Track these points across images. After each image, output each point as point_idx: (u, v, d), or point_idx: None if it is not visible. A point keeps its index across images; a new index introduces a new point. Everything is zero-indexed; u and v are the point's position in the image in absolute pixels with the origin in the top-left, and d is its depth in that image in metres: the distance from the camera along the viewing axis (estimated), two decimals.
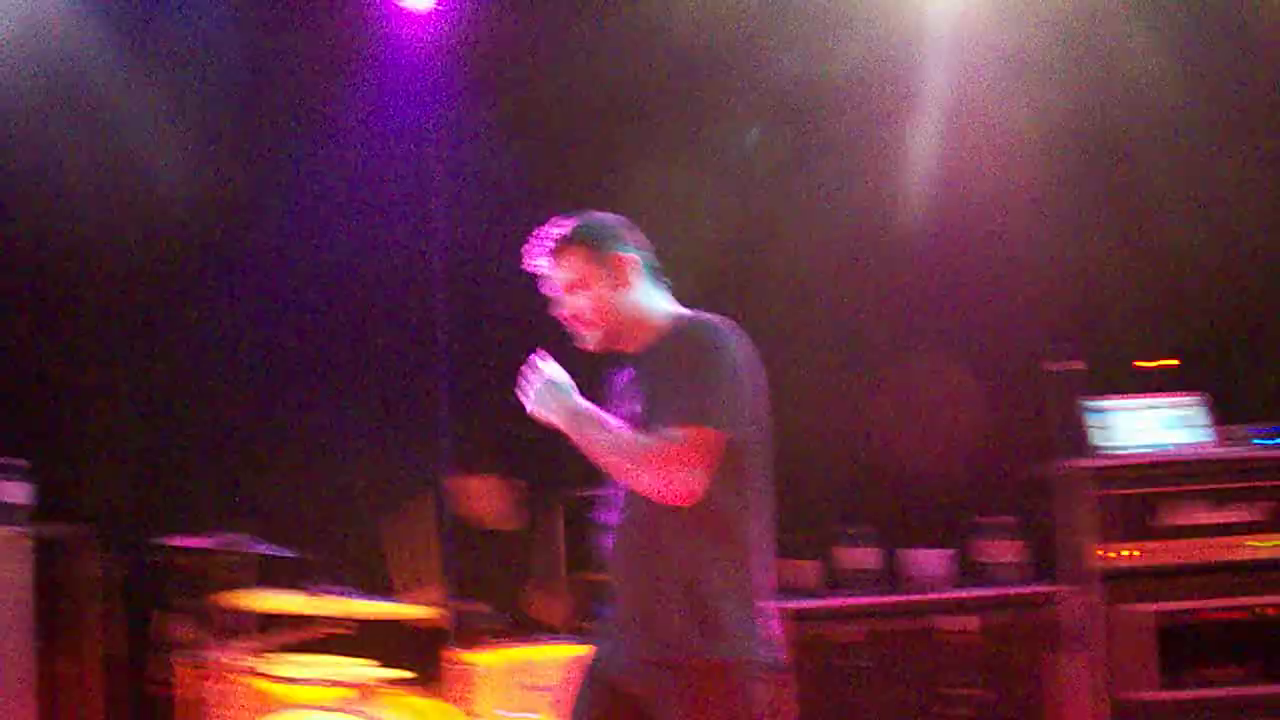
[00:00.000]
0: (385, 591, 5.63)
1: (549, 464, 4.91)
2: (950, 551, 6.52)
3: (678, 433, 3.03)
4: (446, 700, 5.35)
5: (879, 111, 6.92)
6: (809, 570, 6.45)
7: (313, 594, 5.00)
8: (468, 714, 5.29)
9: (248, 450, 6.71)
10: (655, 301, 3.39)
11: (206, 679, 5.05)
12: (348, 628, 5.15)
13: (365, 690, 5.07)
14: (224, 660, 5.00)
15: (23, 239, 6.76)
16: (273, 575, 5.18)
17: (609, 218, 3.45)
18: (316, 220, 6.87)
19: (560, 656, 5.30)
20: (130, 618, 6.26)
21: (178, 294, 6.89)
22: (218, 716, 4.94)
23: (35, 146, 6.63)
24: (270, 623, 5.22)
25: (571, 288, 3.37)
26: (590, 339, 3.38)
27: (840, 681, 6.17)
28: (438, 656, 5.55)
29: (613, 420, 3.19)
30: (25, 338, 6.76)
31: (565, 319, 3.39)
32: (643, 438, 3.08)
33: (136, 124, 6.61)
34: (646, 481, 3.06)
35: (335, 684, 5.07)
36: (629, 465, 3.09)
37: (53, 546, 6.07)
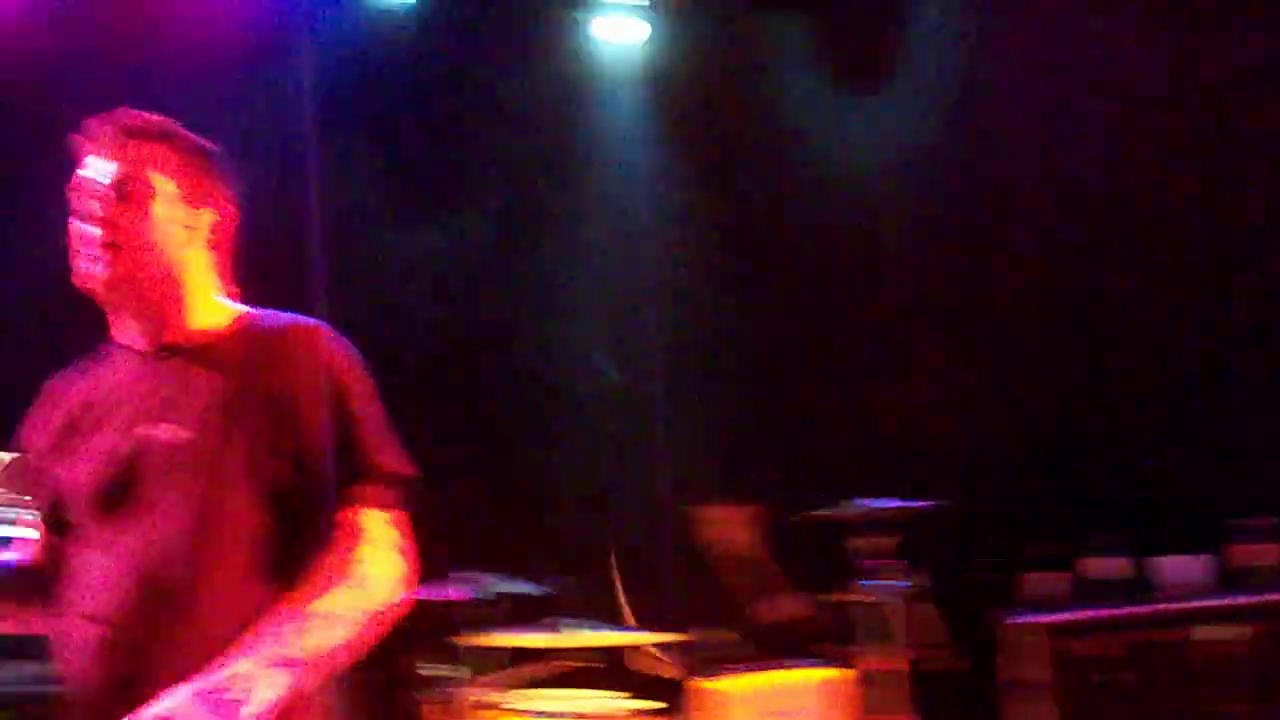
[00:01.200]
0: (626, 621, 5.59)
1: (777, 485, 4.81)
2: (1206, 557, 6.19)
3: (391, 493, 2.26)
4: None
5: None
6: (1056, 582, 6.20)
7: (557, 628, 4.99)
8: None
9: (480, 488, 6.76)
10: (216, 292, 2.39)
11: (449, 714, 5.07)
12: (594, 660, 5.10)
13: None
14: (473, 698, 5.01)
15: None
16: (517, 612, 5.19)
17: (218, 155, 2.42)
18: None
19: (806, 680, 5.18)
20: (375, 657, 6.33)
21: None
22: None
23: None
24: (517, 658, 5.22)
25: (127, 195, 2.27)
26: (101, 275, 2.26)
27: (1098, 697, 5.89)
28: (685, 686, 5.48)
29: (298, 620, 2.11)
30: None
31: (84, 236, 2.27)
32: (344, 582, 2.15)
33: None
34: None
35: (585, 718, 5.03)
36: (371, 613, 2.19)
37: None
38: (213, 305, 2.36)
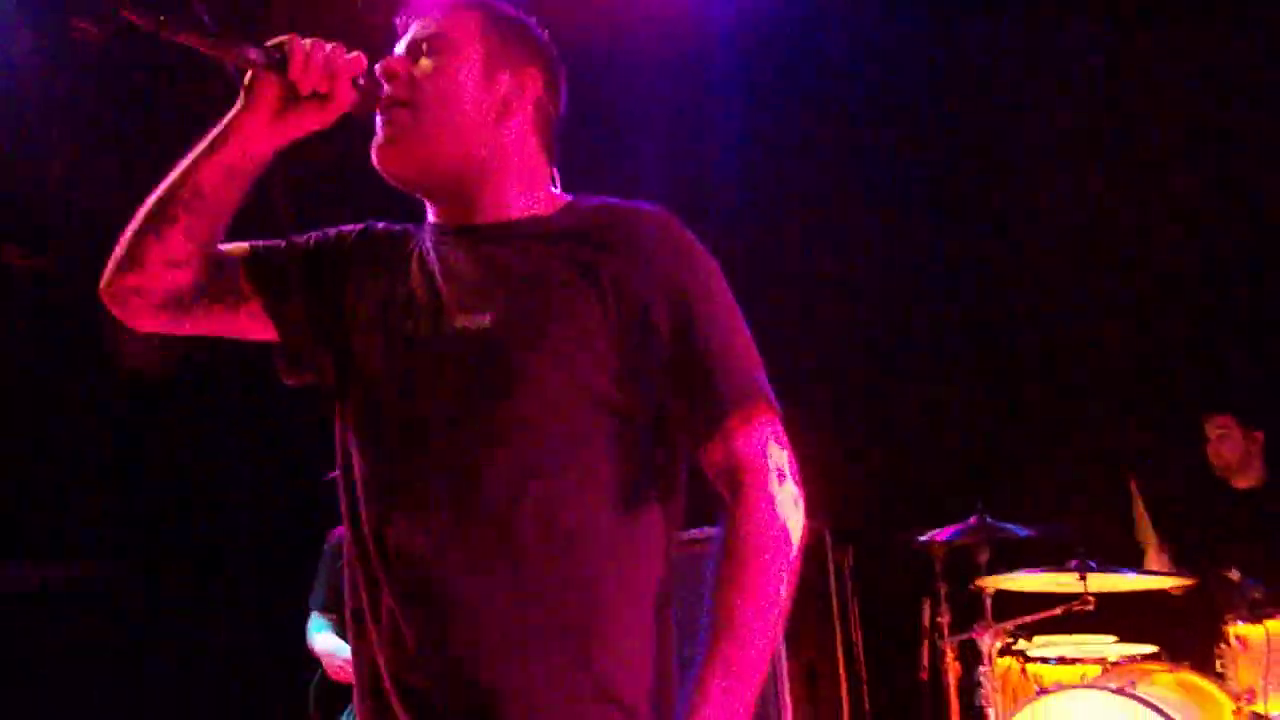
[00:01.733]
0: (1133, 563, 5.48)
1: None
2: None
3: (770, 427, 1.97)
4: (1210, 677, 5.07)
5: None
6: None
7: (1065, 570, 4.94)
8: (1235, 690, 4.99)
9: (978, 430, 6.72)
10: (535, 172, 2.14)
11: (969, 661, 5.12)
12: (1093, 603, 5.00)
13: (1128, 668, 4.94)
14: (986, 644, 5.04)
15: None
16: (1022, 555, 5.18)
17: (533, 25, 2.21)
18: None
19: None
20: (879, 605, 6.48)
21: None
22: (988, 701, 5.00)
23: None
24: (1025, 603, 5.22)
25: (426, 54, 2.08)
26: (398, 140, 2.06)
27: None
28: (1198, 629, 5.31)
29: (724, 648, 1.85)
30: None
31: (365, 78, 2.04)
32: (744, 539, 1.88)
33: None
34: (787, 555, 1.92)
35: (1099, 662, 4.98)
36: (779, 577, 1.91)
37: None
38: (534, 187, 2.11)
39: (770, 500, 1.91)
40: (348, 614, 2.04)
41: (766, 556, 1.89)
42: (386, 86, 2.05)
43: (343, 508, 2.05)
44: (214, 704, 7.18)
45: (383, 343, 2.02)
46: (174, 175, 2.03)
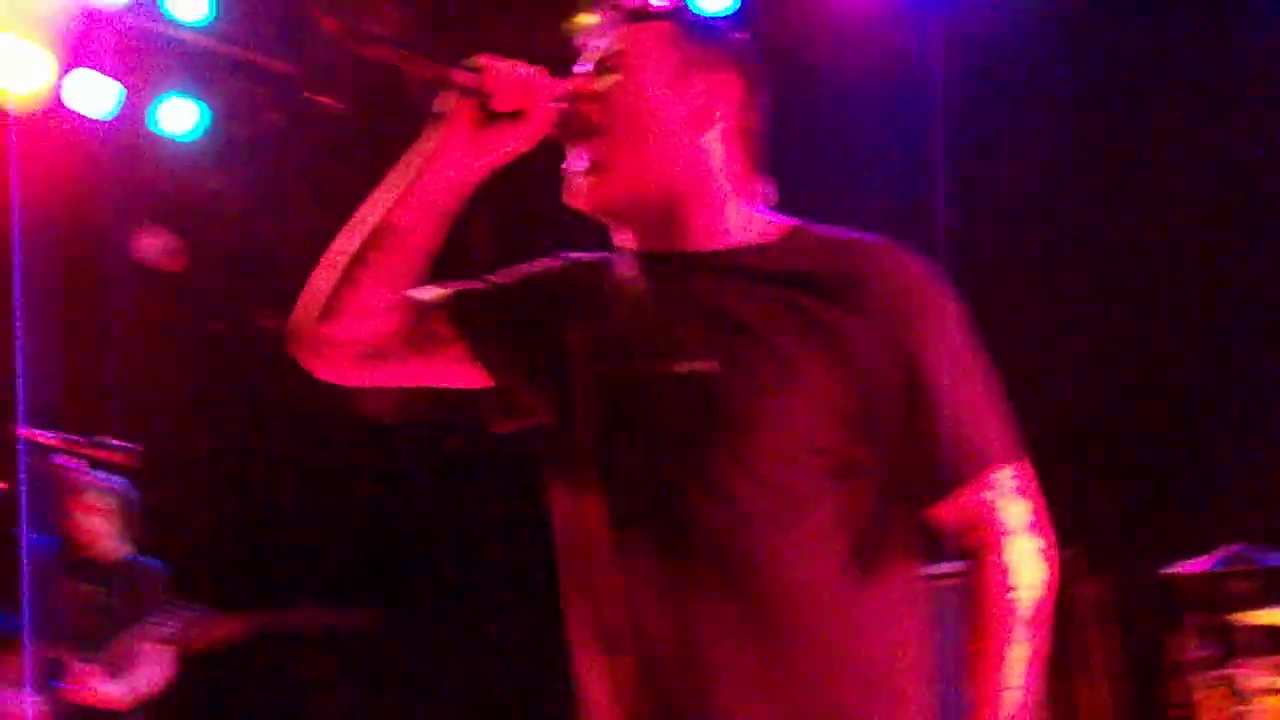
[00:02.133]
0: None
1: None
2: None
3: (1008, 480, 1.84)
4: None
5: None
6: None
7: None
8: None
9: (1236, 458, 6.44)
10: (743, 186, 1.96)
11: (1227, 699, 4.92)
12: None
13: None
14: (1243, 680, 4.85)
15: None
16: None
17: (728, 30, 2.02)
18: None
19: None
20: (1132, 639, 6.27)
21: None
22: None
23: None
24: None
25: (612, 69, 1.92)
26: (593, 168, 1.90)
27: None
28: None
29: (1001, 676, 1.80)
30: None
31: (563, 99, 1.90)
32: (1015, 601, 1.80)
33: None
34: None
35: None
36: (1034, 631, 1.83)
37: None
38: (747, 206, 1.94)
39: (1006, 564, 1.81)
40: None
41: (1014, 623, 1.80)
42: (577, 107, 1.89)
43: (560, 554, 1.94)
44: None
45: (597, 384, 1.87)
46: (366, 215, 1.91)
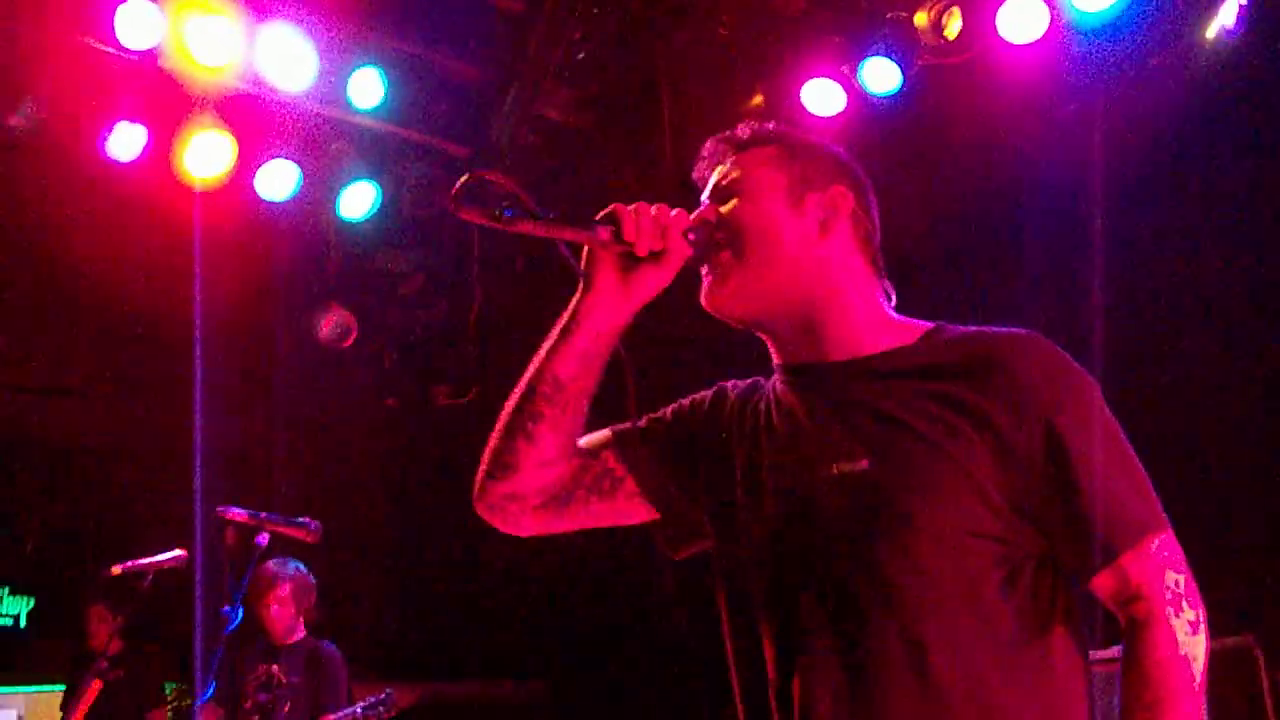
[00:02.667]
0: None
1: None
2: None
3: (1160, 550, 1.87)
4: None
5: None
6: None
7: None
8: None
9: None
10: (880, 297, 2.06)
11: None
12: None
13: None
14: None
15: None
16: None
17: (830, 146, 2.15)
18: None
19: None
20: None
21: None
22: None
23: None
24: None
25: (733, 196, 2.05)
26: (725, 277, 2.02)
27: None
28: None
29: None
30: None
31: (693, 231, 2.03)
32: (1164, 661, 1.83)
33: None
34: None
35: None
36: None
37: (1217, 660, 6.00)
38: (877, 312, 2.04)
39: (1170, 633, 1.84)
40: None
41: (1172, 696, 1.82)
42: (706, 234, 2.03)
43: (732, 672, 2.03)
44: None
45: (757, 500, 1.97)
46: (531, 374, 2.05)
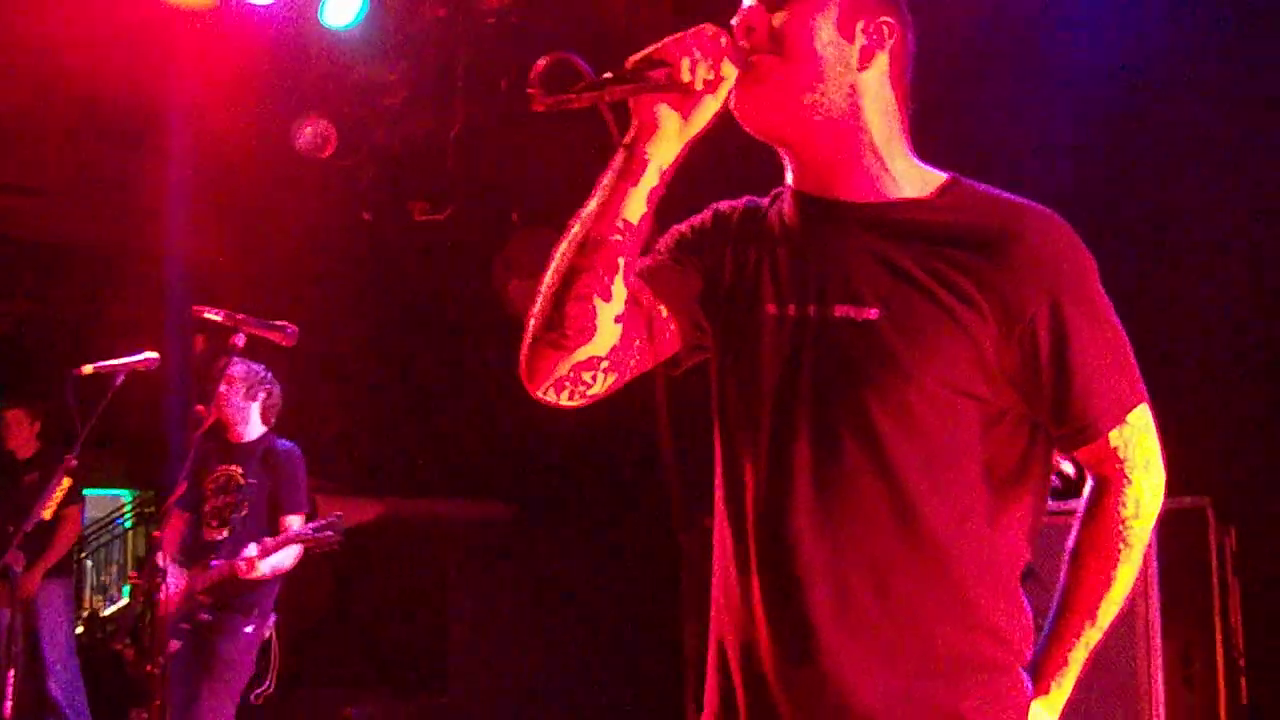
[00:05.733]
0: None
1: None
2: None
3: (1139, 420, 1.97)
4: None
5: None
6: None
7: None
8: None
9: None
10: (905, 137, 2.04)
11: None
12: None
13: None
14: None
15: None
16: None
17: None
18: None
19: None
20: (1260, 591, 6.13)
21: None
22: None
23: None
24: None
25: (778, 5, 1.99)
26: (761, 79, 1.97)
27: None
28: None
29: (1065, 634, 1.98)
30: None
31: (740, 35, 1.99)
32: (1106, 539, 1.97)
33: None
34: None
35: None
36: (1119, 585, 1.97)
37: (1173, 519, 6.14)
38: (902, 155, 2.02)
39: (1137, 493, 1.97)
40: (714, 595, 2.03)
41: (1129, 550, 1.97)
42: (746, 41, 1.97)
43: (717, 480, 2.04)
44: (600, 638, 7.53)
45: (761, 320, 1.98)
46: (593, 226, 1.92)
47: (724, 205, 2.13)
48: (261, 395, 5.40)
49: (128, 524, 14.42)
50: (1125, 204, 5.93)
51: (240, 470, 5.30)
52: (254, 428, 5.42)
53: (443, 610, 7.65)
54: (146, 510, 13.40)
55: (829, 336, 1.91)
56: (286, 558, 5.18)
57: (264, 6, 5.89)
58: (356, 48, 6.23)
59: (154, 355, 4.65)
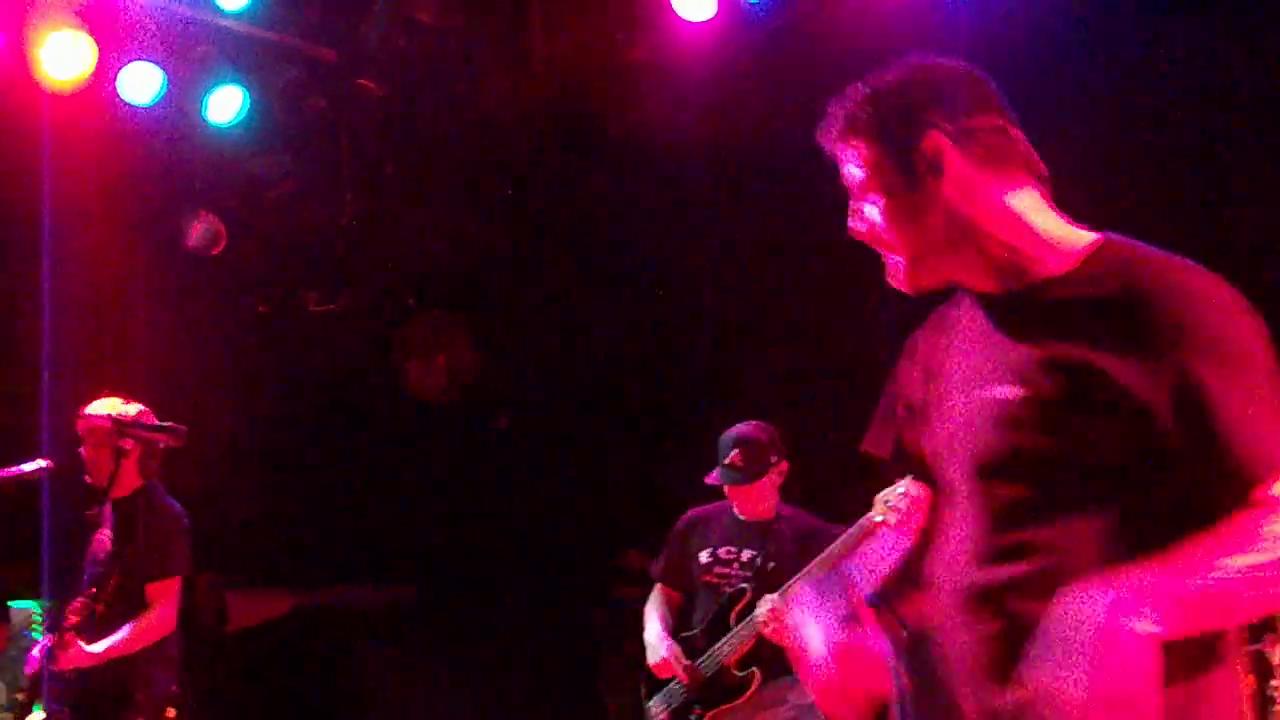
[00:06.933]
0: None
1: None
2: None
3: None
4: None
5: None
6: None
7: None
8: None
9: None
10: (1032, 209, 2.09)
11: (1264, 678, 4.86)
12: None
13: None
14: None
15: None
16: None
17: (937, 72, 2.13)
18: None
19: None
20: None
21: None
22: None
23: None
24: None
25: (862, 190, 2.12)
26: (897, 273, 2.13)
27: None
28: None
29: (1202, 558, 1.82)
30: None
31: (865, 239, 2.15)
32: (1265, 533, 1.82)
33: None
34: None
35: None
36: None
37: None
38: (1031, 235, 2.06)
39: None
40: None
41: (1263, 540, 1.82)
42: (876, 240, 2.12)
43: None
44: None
45: (936, 412, 2.15)
46: None
47: (916, 334, 2.27)
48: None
49: (37, 634, 13.97)
50: None
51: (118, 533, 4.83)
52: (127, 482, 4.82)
53: (359, 698, 7.56)
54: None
55: (981, 420, 2.02)
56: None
57: (146, 108, 5.86)
58: (241, 143, 6.22)
59: (45, 463, 4.57)
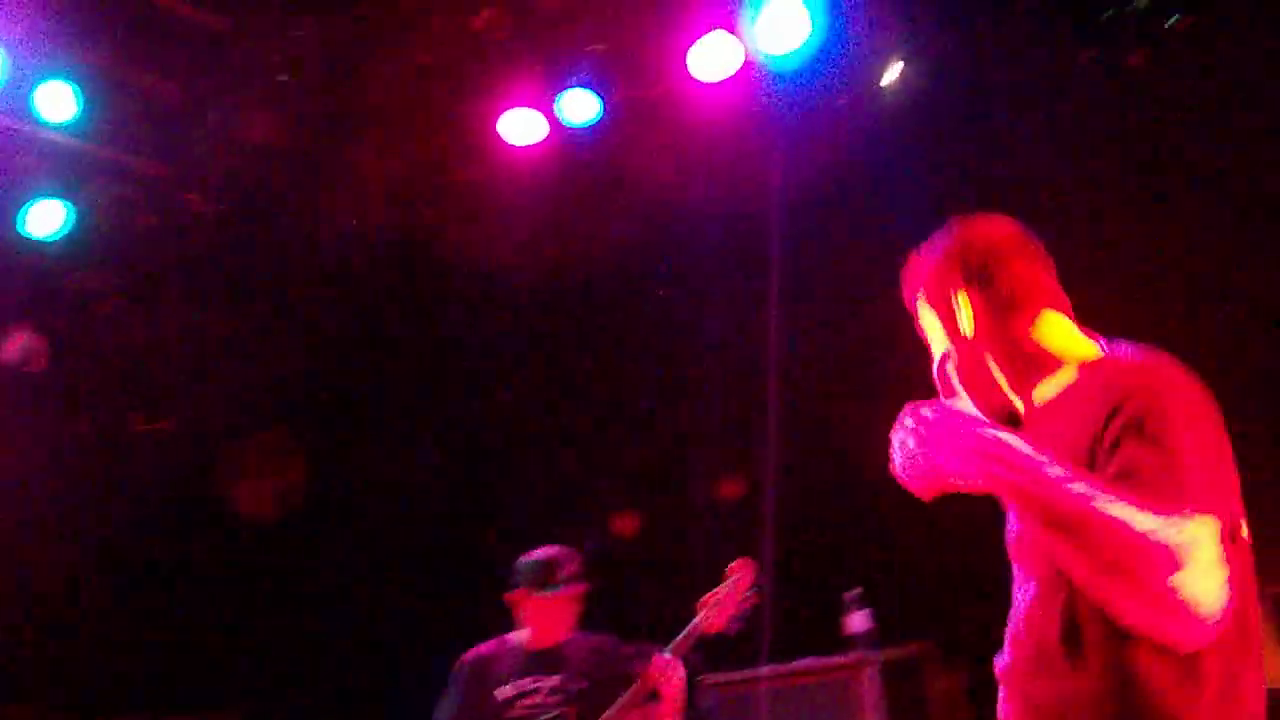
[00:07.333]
0: None
1: None
2: None
3: (1186, 523, 1.97)
4: None
5: None
6: None
7: None
8: None
9: None
10: (1026, 348, 2.40)
11: None
12: None
13: None
14: None
15: None
16: None
17: (975, 234, 2.46)
18: None
19: None
20: None
21: None
22: None
23: None
24: None
25: (928, 345, 2.54)
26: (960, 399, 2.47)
27: None
28: None
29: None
30: None
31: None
32: (1141, 511, 1.97)
33: None
34: (1135, 597, 1.99)
35: None
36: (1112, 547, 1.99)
37: (898, 667, 6.35)
38: (1044, 360, 2.36)
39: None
40: None
41: (1156, 552, 1.95)
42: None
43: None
44: None
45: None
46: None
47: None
48: None
49: None
50: None
51: None
52: None
53: None
54: None
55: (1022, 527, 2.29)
56: None
57: None
58: (64, 256, 6.11)
59: None
